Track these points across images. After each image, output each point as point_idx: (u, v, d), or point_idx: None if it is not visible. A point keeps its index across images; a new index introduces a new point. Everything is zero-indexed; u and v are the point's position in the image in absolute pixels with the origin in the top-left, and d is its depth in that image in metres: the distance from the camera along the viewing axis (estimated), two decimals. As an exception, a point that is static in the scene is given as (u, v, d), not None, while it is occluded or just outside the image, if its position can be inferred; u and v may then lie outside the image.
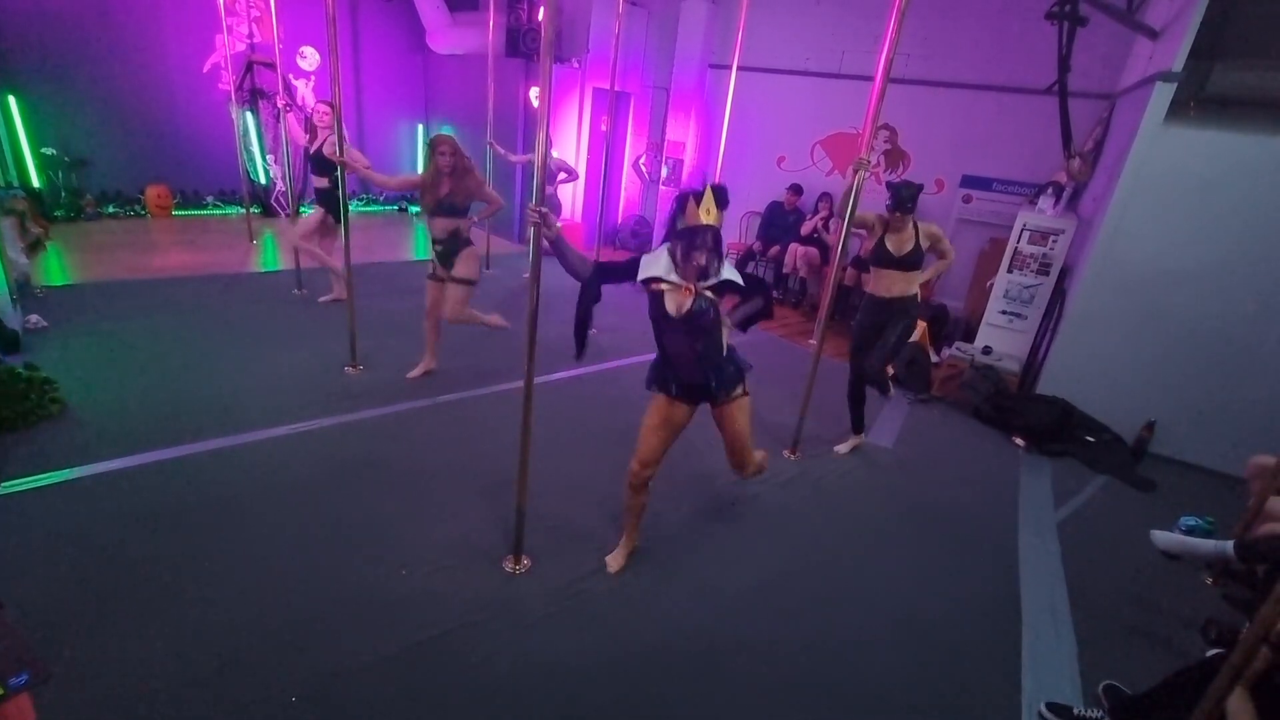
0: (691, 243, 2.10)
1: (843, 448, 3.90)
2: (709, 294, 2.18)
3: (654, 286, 2.20)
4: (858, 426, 3.91)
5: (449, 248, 3.77)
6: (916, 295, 3.60)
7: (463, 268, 3.81)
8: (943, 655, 2.42)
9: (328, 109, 4.64)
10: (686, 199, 2.09)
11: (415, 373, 4.11)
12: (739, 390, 2.42)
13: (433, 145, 3.60)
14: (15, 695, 1.18)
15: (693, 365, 2.31)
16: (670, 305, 2.18)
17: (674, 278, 2.16)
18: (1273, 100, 3.86)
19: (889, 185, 3.47)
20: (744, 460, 2.58)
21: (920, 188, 3.52)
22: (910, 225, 3.47)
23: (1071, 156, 5.00)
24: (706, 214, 2.08)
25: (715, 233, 2.13)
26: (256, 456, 3.10)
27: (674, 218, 2.14)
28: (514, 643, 2.22)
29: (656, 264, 2.18)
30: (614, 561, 2.64)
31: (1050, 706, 2.21)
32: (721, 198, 2.08)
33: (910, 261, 3.48)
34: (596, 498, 3.11)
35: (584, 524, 2.89)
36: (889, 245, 3.49)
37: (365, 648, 2.12)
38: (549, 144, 6.47)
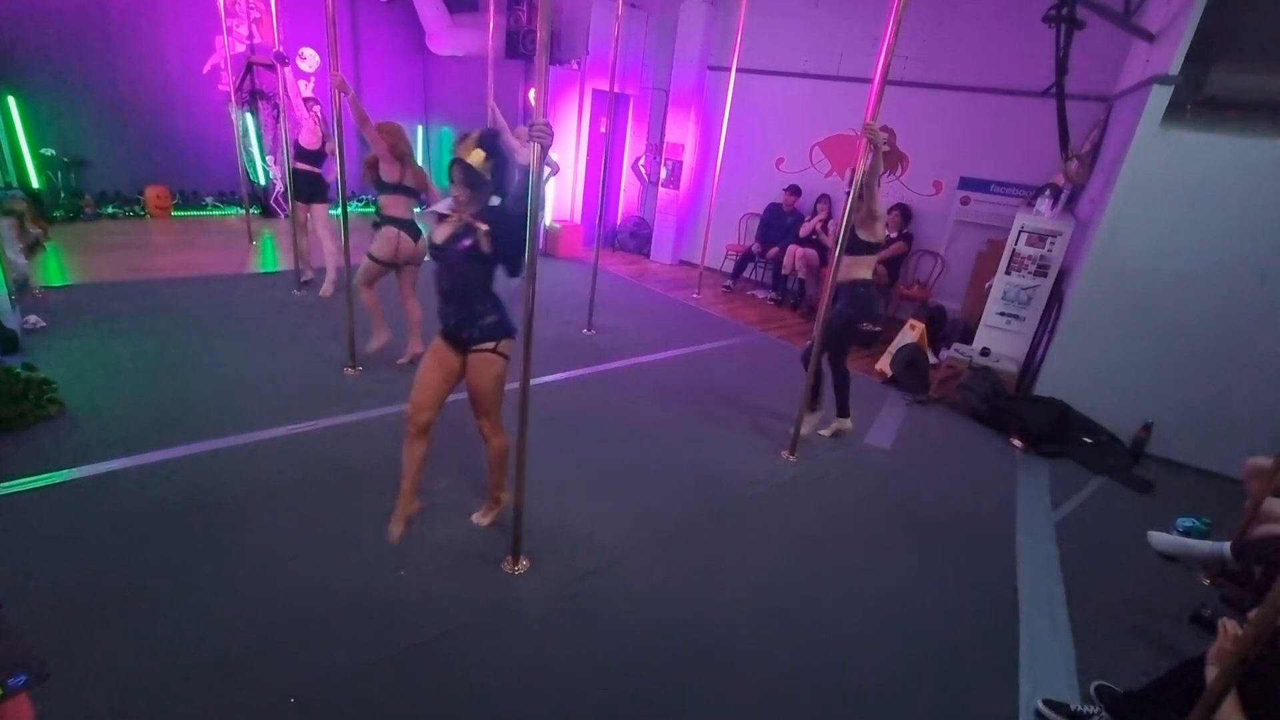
0: (450, 174, 2.30)
1: (825, 430, 4.02)
2: (478, 226, 2.27)
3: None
4: (842, 410, 4.01)
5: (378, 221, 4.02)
6: (864, 279, 3.67)
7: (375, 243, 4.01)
8: (940, 655, 2.43)
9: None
10: (460, 136, 2.32)
11: (404, 358, 4.25)
12: (489, 345, 2.40)
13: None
14: (14, 695, 1.19)
15: (445, 301, 2.39)
16: (435, 234, 2.36)
17: (445, 210, 2.35)
18: (1270, 103, 3.87)
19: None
20: (482, 416, 2.53)
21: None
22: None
23: (1069, 159, 5.01)
24: (466, 151, 2.24)
25: (464, 166, 2.25)
26: (255, 457, 3.10)
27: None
28: (513, 643, 2.23)
29: (442, 202, 2.40)
30: (396, 528, 2.58)
31: (1047, 703, 2.22)
32: (486, 142, 2.26)
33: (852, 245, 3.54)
34: (596, 498, 3.11)
35: (583, 525, 2.89)
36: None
37: (364, 649, 2.12)
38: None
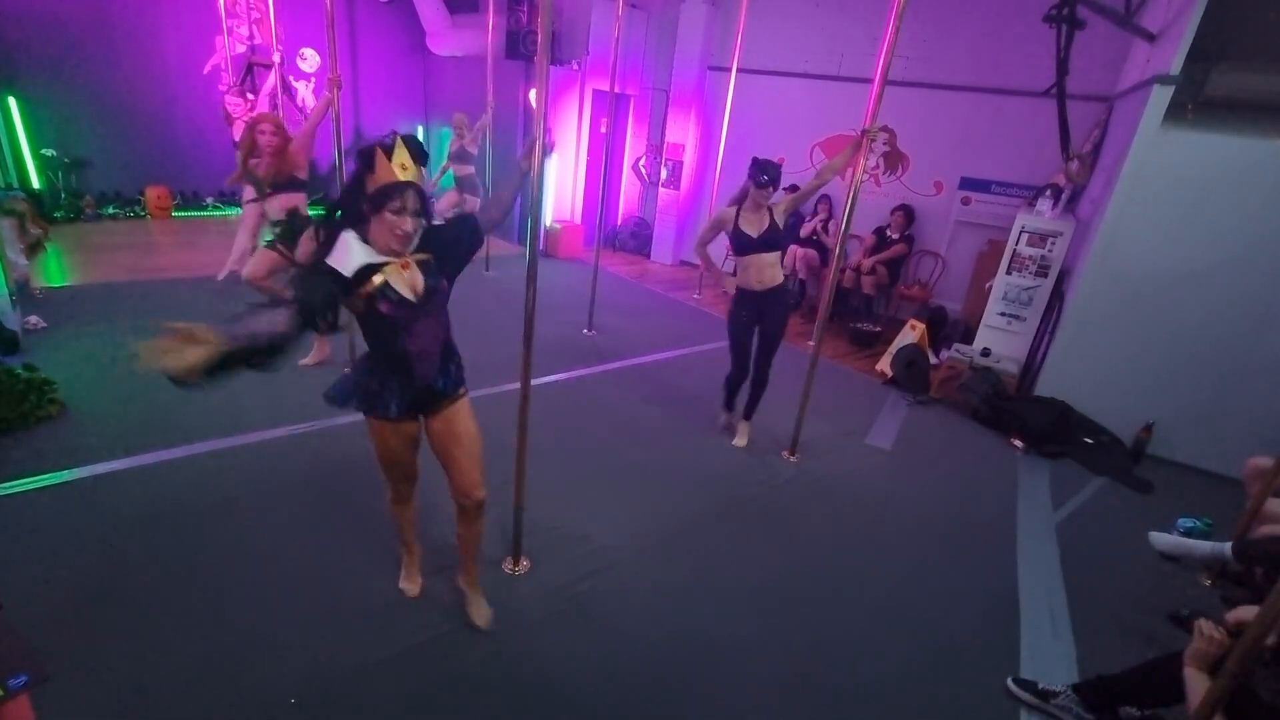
0: (383, 204, 1.65)
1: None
2: (431, 261, 1.80)
3: (369, 285, 1.70)
4: (730, 404, 3.89)
5: (290, 228, 3.75)
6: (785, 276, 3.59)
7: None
8: (941, 656, 2.43)
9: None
10: (374, 153, 1.64)
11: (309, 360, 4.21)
12: (463, 389, 2.07)
13: (251, 125, 3.63)
14: (14, 696, 1.19)
15: (415, 364, 1.87)
16: (405, 289, 1.73)
17: (381, 259, 1.70)
18: (1270, 103, 3.87)
19: (755, 160, 3.31)
20: (480, 478, 2.08)
21: (779, 166, 3.37)
22: (767, 208, 3.40)
23: (1070, 159, 5.00)
24: (402, 169, 1.65)
25: (419, 191, 1.68)
26: (255, 458, 3.10)
27: (358, 182, 1.68)
28: (513, 644, 2.23)
29: (353, 253, 1.68)
30: (411, 585, 2.38)
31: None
32: (416, 150, 1.69)
33: (770, 242, 3.43)
34: (596, 498, 3.11)
35: (583, 525, 2.89)
36: (746, 228, 3.42)
37: (364, 650, 2.12)
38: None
